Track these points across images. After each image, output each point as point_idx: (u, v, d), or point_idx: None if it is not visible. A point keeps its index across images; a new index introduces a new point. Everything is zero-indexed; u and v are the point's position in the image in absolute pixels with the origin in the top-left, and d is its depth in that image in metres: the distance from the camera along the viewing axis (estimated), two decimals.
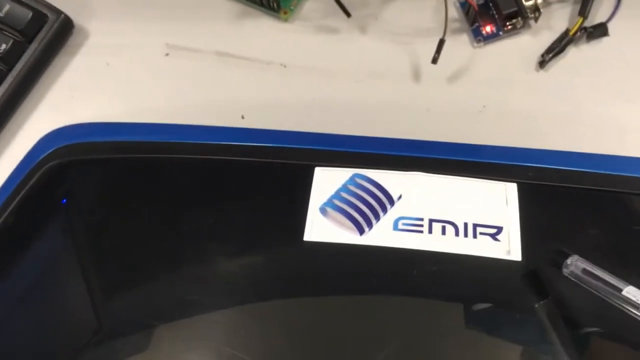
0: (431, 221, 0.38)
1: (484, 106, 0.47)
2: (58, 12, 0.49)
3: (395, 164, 0.40)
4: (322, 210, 0.38)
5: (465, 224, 0.37)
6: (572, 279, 0.34)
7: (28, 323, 0.39)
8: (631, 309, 0.30)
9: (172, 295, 0.39)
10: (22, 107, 0.49)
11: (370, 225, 0.38)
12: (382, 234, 0.37)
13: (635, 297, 0.30)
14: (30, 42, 0.48)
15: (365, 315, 0.36)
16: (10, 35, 0.48)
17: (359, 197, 0.39)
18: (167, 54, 0.50)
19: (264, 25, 0.51)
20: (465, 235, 0.37)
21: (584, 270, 0.33)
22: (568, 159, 0.41)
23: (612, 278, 0.32)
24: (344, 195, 0.39)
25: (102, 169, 0.45)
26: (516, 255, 0.36)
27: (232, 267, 0.39)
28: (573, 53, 0.48)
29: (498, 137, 0.45)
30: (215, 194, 0.42)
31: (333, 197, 0.39)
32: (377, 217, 0.38)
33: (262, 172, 0.41)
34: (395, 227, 0.38)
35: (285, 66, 0.50)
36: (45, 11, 0.49)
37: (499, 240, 0.37)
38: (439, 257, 0.36)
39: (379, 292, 0.37)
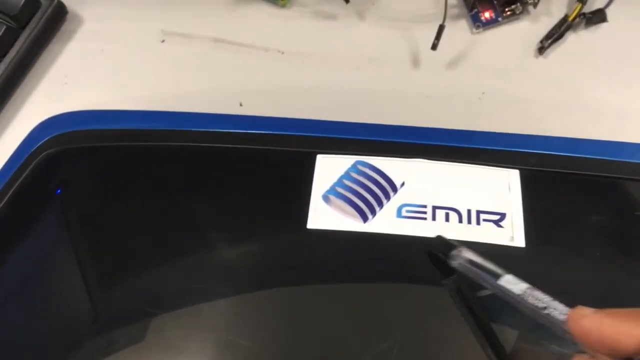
0: (434, 208, 0.38)
1: (483, 92, 0.47)
2: None
3: (398, 150, 0.40)
4: (325, 198, 0.38)
5: (469, 211, 0.37)
6: (461, 270, 0.33)
7: (24, 313, 0.39)
8: (508, 298, 0.30)
9: (172, 283, 0.38)
10: (15, 95, 0.48)
11: (373, 212, 0.38)
12: (385, 221, 0.37)
13: (510, 286, 0.30)
14: (23, 28, 0.48)
15: (370, 302, 0.36)
16: (3, 22, 0.47)
17: (361, 185, 0.38)
18: (163, 41, 0.50)
19: (261, 12, 0.51)
20: (469, 222, 0.37)
21: (470, 261, 0.33)
22: (569, 145, 0.41)
23: (495, 267, 0.31)
24: (347, 182, 0.39)
25: (97, 157, 0.44)
26: (520, 241, 0.36)
27: (236, 256, 0.38)
28: (572, 39, 0.48)
29: (497, 123, 0.45)
30: (215, 183, 0.41)
31: (336, 184, 0.39)
32: (380, 205, 0.38)
33: (263, 160, 0.41)
34: (399, 214, 0.37)
35: (283, 53, 0.49)
36: None
37: (502, 227, 0.37)
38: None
39: (383, 279, 0.37)
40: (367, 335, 0.35)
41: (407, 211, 0.38)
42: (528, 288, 0.30)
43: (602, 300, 0.30)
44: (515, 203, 0.38)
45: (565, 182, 0.39)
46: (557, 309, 0.28)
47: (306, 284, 0.37)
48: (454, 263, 0.33)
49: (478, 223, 0.37)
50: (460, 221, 0.37)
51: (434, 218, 0.37)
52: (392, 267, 0.37)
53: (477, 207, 0.38)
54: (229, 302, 0.37)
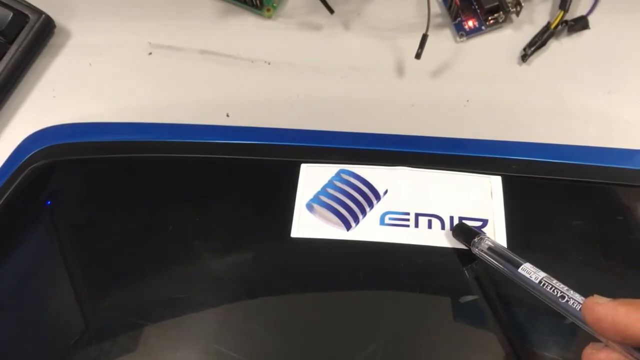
0: (417, 215, 0.38)
1: (468, 100, 0.47)
2: (39, 12, 0.49)
3: (381, 159, 0.40)
4: (309, 207, 0.38)
5: (452, 218, 0.38)
6: (481, 258, 0.34)
7: (13, 324, 0.39)
8: (527, 287, 0.31)
9: (160, 294, 0.39)
10: (4, 108, 0.49)
11: (357, 220, 0.38)
12: (369, 229, 0.38)
13: (529, 274, 0.31)
14: (11, 43, 0.48)
15: (354, 310, 0.36)
16: None
17: (345, 193, 0.39)
18: (150, 53, 0.50)
19: (247, 23, 0.51)
20: (452, 228, 0.37)
21: (490, 249, 0.34)
22: (551, 151, 0.41)
23: (514, 256, 0.33)
24: (330, 191, 0.39)
25: (86, 169, 0.45)
26: None
27: (221, 266, 0.39)
28: (555, 46, 0.49)
29: (482, 130, 0.46)
30: (201, 193, 0.42)
31: (319, 193, 0.39)
32: (364, 212, 0.38)
33: (248, 170, 0.41)
34: (382, 222, 0.38)
35: (269, 63, 0.50)
36: (26, 12, 0.49)
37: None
38: (425, 251, 0.37)
39: (367, 286, 0.37)
40: (351, 342, 0.35)
41: (390, 219, 0.38)
42: (545, 277, 0.31)
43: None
44: (498, 209, 0.38)
45: (547, 187, 0.40)
46: (574, 298, 0.29)
47: (290, 293, 0.37)
48: (475, 250, 0.35)
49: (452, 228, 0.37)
50: (443, 228, 0.37)
51: (416, 225, 0.37)
52: (374, 274, 0.37)
53: (460, 213, 0.38)
54: (214, 312, 0.37)
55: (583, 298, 0.28)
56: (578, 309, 0.28)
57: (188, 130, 0.45)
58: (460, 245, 0.36)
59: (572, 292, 0.30)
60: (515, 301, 0.35)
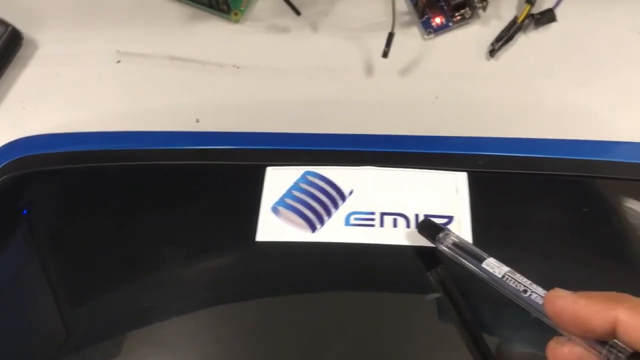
0: (382, 214, 0.38)
1: (437, 97, 0.47)
2: (6, 24, 0.49)
3: (347, 159, 0.40)
4: (274, 210, 0.38)
5: (417, 216, 0.37)
6: (446, 255, 0.34)
7: None
8: (491, 282, 0.31)
9: (132, 302, 0.39)
10: None
11: (322, 221, 0.38)
12: (334, 230, 0.37)
13: (492, 269, 0.31)
14: None
15: (320, 312, 0.36)
16: None
17: (310, 195, 0.39)
18: (118, 61, 0.50)
19: (215, 28, 0.51)
20: (417, 226, 0.37)
21: (455, 244, 0.34)
22: (518, 145, 0.41)
23: (478, 251, 0.33)
24: (296, 193, 0.39)
25: (58, 179, 0.45)
26: None
27: (187, 273, 0.38)
28: (522, 40, 0.49)
29: (452, 127, 0.46)
30: (170, 200, 0.41)
31: (285, 195, 0.39)
32: (329, 214, 0.38)
33: (215, 175, 0.41)
34: (347, 223, 0.38)
35: (238, 67, 0.50)
36: None
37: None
38: (391, 250, 0.36)
39: (332, 288, 0.37)
40: (318, 345, 0.35)
41: (356, 219, 0.38)
42: (509, 271, 0.31)
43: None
44: (463, 205, 0.38)
45: (513, 182, 0.39)
46: (536, 292, 0.29)
47: (255, 298, 0.37)
48: (440, 246, 0.34)
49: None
50: (408, 226, 0.37)
51: (382, 225, 0.37)
52: (339, 275, 0.37)
53: (425, 211, 0.38)
54: (181, 319, 0.37)
55: (546, 292, 0.28)
56: (541, 303, 0.28)
57: (157, 138, 0.45)
58: (425, 243, 0.36)
59: (534, 286, 0.29)
60: (480, 298, 0.35)
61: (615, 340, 0.24)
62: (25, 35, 0.51)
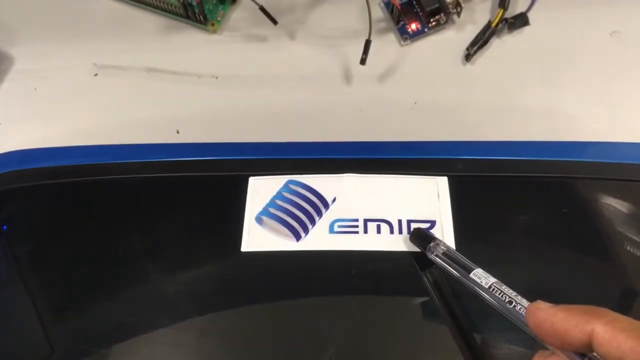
0: (366, 221, 0.38)
1: (415, 102, 0.48)
2: None
3: (329, 167, 0.40)
4: (258, 220, 0.38)
5: (400, 221, 0.38)
6: (436, 263, 0.35)
7: None
8: (478, 291, 0.32)
9: (114, 316, 0.38)
10: None
11: (306, 230, 0.38)
12: (318, 238, 0.38)
13: (480, 279, 0.32)
14: None
15: (307, 320, 0.36)
16: None
17: (293, 204, 0.39)
18: (96, 74, 0.50)
19: (192, 38, 0.51)
20: (400, 232, 0.37)
21: (445, 254, 0.35)
22: (496, 148, 0.42)
23: (467, 261, 0.34)
24: (279, 202, 0.39)
25: (38, 195, 0.44)
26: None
27: (172, 285, 0.38)
28: (497, 44, 0.49)
29: (431, 132, 0.46)
30: (153, 213, 0.41)
31: (268, 205, 0.39)
32: (313, 222, 0.38)
33: (198, 187, 0.41)
34: (331, 230, 0.38)
35: (216, 77, 0.50)
36: None
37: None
38: (375, 256, 0.37)
39: (318, 295, 0.37)
40: (305, 352, 0.35)
41: (339, 226, 0.38)
42: (495, 282, 0.32)
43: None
44: (445, 209, 0.38)
45: (493, 185, 0.40)
46: (521, 304, 0.30)
47: (241, 307, 0.37)
48: (430, 255, 0.35)
49: (409, 233, 0.37)
50: (392, 232, 0.38)
51: (365, 231, 0.38)
52: (325, 283, 0.37)
53: (408, 216, 0.38)
54: (168, 331, 0.37)
55: (529, 303, 0.29)
56: (524, 314, 0.29)
57: (137, 150, 0.45)
58: (408, 249, 0.37)
59: (519, 297, 0.30)
60: (464, 306, 0.35)
61: (594, 353, 0.25)
62: (1, 50, 0.50)
